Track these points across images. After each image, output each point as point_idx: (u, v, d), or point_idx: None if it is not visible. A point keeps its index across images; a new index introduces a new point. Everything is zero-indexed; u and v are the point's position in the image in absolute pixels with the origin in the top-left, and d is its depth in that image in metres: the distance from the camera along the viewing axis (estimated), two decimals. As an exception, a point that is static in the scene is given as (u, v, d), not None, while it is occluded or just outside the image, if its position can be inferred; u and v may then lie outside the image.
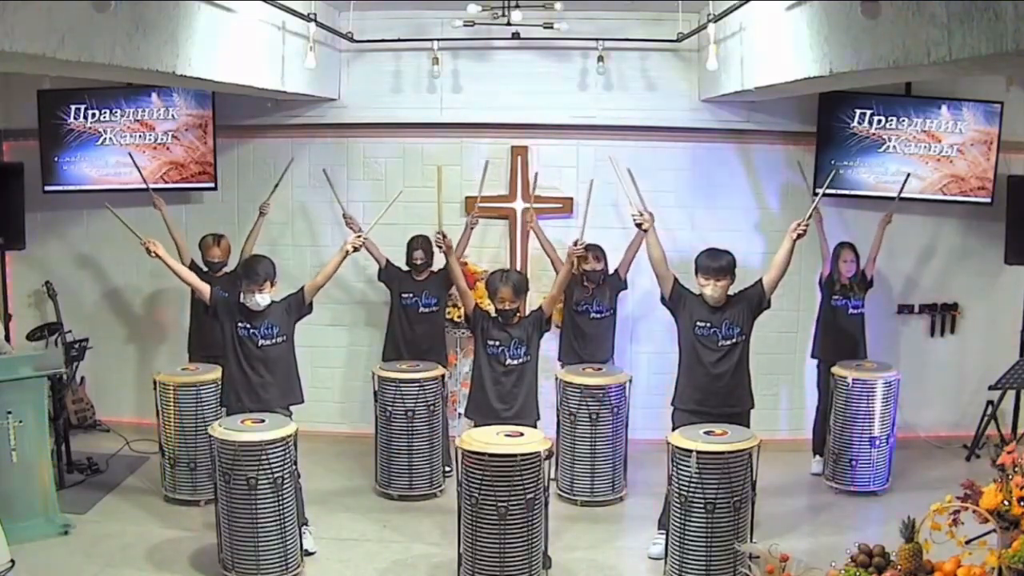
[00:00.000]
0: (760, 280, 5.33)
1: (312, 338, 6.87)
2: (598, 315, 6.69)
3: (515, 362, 5.55)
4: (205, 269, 6.67)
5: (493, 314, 5.64)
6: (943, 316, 7.45)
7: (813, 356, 6.91)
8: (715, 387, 5.29)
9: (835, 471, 6.50)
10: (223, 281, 6.51)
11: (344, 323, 7.51)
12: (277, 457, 5.06)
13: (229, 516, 5.08)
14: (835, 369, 6.47)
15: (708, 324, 5.28)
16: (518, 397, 5.54)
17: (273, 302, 5.46)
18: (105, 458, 6.84)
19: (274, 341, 5.43)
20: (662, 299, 5.47)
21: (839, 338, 6.71)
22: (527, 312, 5.92)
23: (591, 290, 6.66)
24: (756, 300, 5.30)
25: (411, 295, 6.76)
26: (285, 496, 5.10)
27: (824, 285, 6.81)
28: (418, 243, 6.75)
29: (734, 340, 5.28)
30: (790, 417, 7.42)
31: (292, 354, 5.57)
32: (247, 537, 5.05)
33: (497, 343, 5.55)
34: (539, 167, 7.29)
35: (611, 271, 6.77)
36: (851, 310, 6.70)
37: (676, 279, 5.39)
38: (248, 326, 5.40)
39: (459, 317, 6.96)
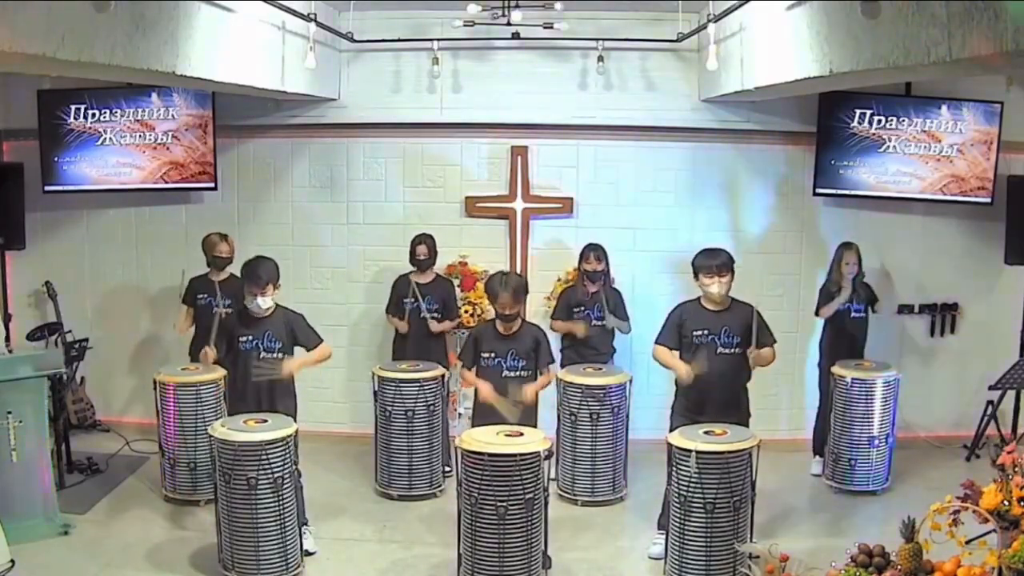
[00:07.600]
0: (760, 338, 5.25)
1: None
2: (599, 321, 6.68)
3: (512, 374, 5.54)
4: (206, 271, 6.71)
5: (490, 318, 5.58)
6: (943, 316, 7.45)
7: (819, 364, 6.88)
8: (713, 396, 5.27)
9: (835, 471, 6.49)
10: (227, 284, 6.52)
11: (344, 323, 7.50)
12: (277, 457, 5.06)
13: (229, 516, 5.08)
14: (835, 369, 6.45)
15: (706, 331, 5.27)
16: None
17: (277, 306, 5.46)
18: (105, 458, 6.84)
19: (276, 356, 5.42)
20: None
21: (840, 340, 6.69)
22: (527, 316, 5.89)
23: (592, 293, 6.64)
24: (750, 328, 5.22)
25: (413, 300, 6.78)
26: (285, 496, 5.10)
27: (821, 292, 6.75)
28: (421, 239, 6.78)
29: (732, 349, 5.27)
30: (790, 417, 7.40)
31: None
32: (247, 537, 5.04)
33: (493, 354, 5.55)
34: (539, 167, 7.30)
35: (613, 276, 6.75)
36: (853, 313, 6.67)
37: (668, 331, 5.39)
38: (250, 337, 5.39)
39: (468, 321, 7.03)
